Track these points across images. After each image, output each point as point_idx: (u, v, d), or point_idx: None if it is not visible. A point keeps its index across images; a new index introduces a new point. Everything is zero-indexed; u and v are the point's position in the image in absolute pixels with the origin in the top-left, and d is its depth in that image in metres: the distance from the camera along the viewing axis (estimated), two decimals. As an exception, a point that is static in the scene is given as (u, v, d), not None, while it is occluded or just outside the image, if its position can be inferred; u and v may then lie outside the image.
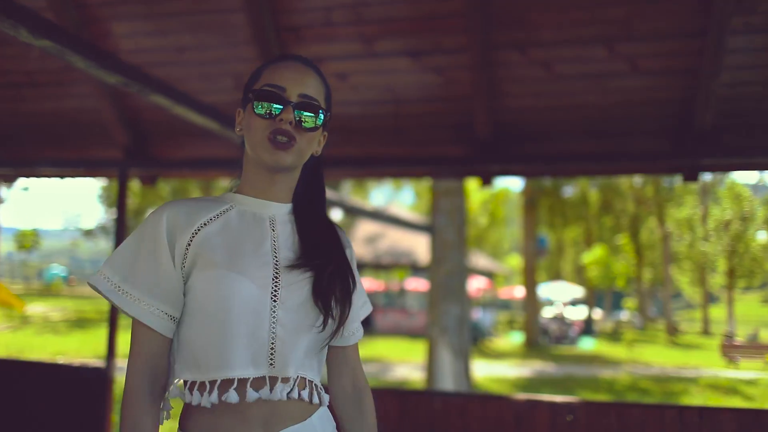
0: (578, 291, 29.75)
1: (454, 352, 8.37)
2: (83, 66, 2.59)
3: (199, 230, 1.30)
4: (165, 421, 1.32)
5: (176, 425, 1.32)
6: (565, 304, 27.22)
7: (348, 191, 26.17)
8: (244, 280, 1.25)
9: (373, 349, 16.11)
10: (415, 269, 23.36)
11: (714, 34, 3.27)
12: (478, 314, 22.04)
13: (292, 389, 1.27)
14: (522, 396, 3.51)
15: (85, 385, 4.07)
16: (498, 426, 3.34)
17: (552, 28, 3.64)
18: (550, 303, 28.54)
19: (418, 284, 23.34)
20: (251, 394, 1.22)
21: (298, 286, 1.30)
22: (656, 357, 17.66)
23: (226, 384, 1.23)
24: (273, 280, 1.29)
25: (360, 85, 4.09)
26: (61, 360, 11.69)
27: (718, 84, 3.46)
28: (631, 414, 3.19)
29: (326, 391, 1.41)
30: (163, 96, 3.05)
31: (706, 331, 27.32)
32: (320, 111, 1.35)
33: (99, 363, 4.71)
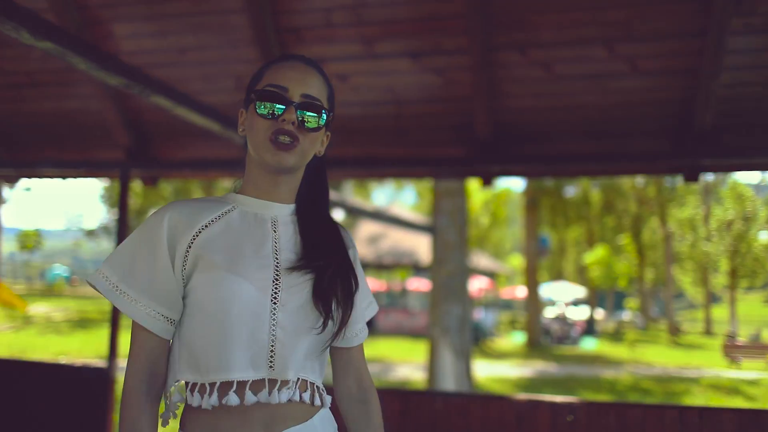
0: (580, 291, 29.73)
1: (455, 353, 8.37)
2: (85, 67, 2.60)
3: (200, 232, 1.30)
4: (171, 420, 1.32)
5: (177, 425, 1.32)
6: (567, 304, 27.21)
7: (350, 191, 26.15)
8: (244, 282, 1.25)
9: (374, 349, 16.12)
10: (417, 269, 23.36)
11: (714, 35, 3.27)
12: (480, 314, 22.05)
13: (292, 392, 1.26)
14: (523, 396, 3.52)
15: (87, 385, 4.08)
16: (499, 426, 3.34)
17: (552, 29, 3.65)
18: (552, 303, 28.54)
19: (419, 284, 23.34)
20: (250, 397, 1.22)
21: (299, 288, 1.30)
22: (658, 357, 17.65)
23: (225, 386, 1.23)
24: (273, 282, 1.28)
25: (360, 86, 4.10)
26: (63, 360, 11.71)
27: (718, 84, 3.46)
28: (632, 414, 3.20)
29: (331, 393, 1.41)
30: (164, 97, 3.06)
31: (708, 332, 27.30)
32: (323, 111, 1.35)
33: (101, 363, 4.72)
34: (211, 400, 1.22)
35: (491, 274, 28.64)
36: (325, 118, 1.36)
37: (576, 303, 29.64)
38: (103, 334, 16.28)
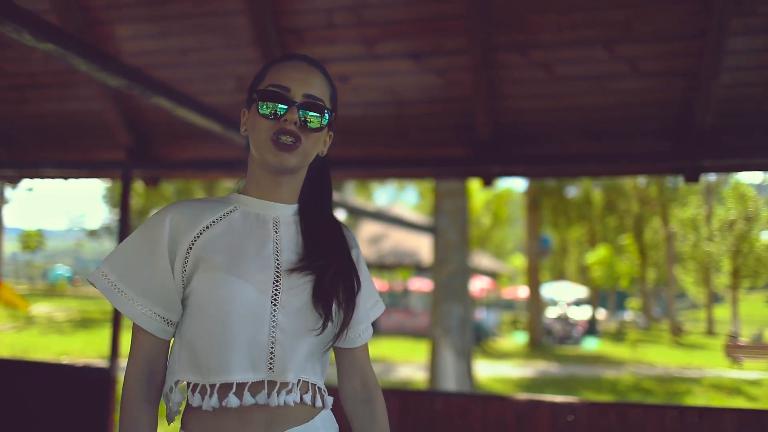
0: (582, 291, 29.72)
1: (456, 353, 8.38)
2: (86, 69, 2.61)
3: (201, 233, 1.29)
4: (174, 419, 1.32)
5: (178, 424, 1.33)
6: (568, 304, 27.18)
7: (352, 192, 26.16)
8: (244, 284, 1.25)
9: (376, 349, 16.12)
10: (419, 269, 23.35)
11: (714, 36, 3.28)
12: (481, 314, 22.05)
13: (293, 393, 1.26)
14: (523, 396, 3.52)
15: (89, 385, 4.08)
16: (499, 426, 3.35)
17: (552, 30, 3.65)
18: (554, 303, 28.54)
19: (421, 284, 23.35)
20: (250, 399, 1.22)
21: (300, 289, 1.29)
22: (660, 357, 17.63)
23: (225, 388, 1.23)
24: (274, 284, 1.28)
25: (361, 87, 4.11)
26: (65, 360, 11.73)
27: (717, 85, 3.46)
28: (632, 414, 3.20)
29: (334, 393, 1.41)
30: (165, 98, 3.07)
31: (710, 332, 27.27)
32: (325, 111, 1.34)
33: (103, 363, 4.73)
34: (211, 401, 1.22)
35: (493, 274, 28.63)
36: (327, 118, 1.35)
37: (578, 303, 29.63)
38: (105, 335, 16.29)
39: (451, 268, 8.62)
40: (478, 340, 19.02)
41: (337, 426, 1.41)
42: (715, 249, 24.74)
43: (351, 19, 3.81)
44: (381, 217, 12.23)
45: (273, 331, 1.25)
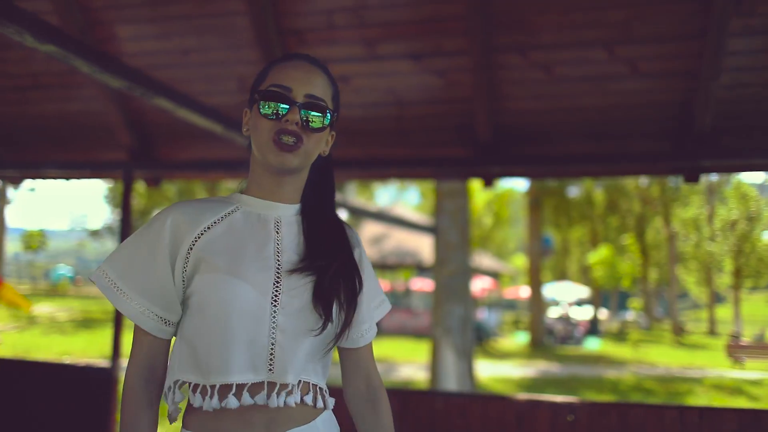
0: (584, 291, 29.70)
1: (457, 353, 8.38)
2: (87, 70, 2.62)
3: (202, 234, 1.29)
4: (176, 418, 1.33)
5: (180, 423, 1.34)
6: (570, 304, 27.16)
7: (353, 192, 26.17)
8: (244, 285, 1.24)
9: (378, 349, 16.05)
10: (421, 269, 23.37)
11: (713, 37, 3.28)
12: (483, 314, 22.05)
13: (293, 394, 1.26)
14: (523, 396, 3.53)
15: (90, 385, 4.10)
16: (499, 426, 3.35)
17: (552, 31, 3.66)
18: (556, 303, 28.50)
19: (423, 284, 23.35)
20: (249, 400, 1.22)
21: (300, 290, 1.29)
22: (661, 357, 17.62)
23: (225, 389, 1.23)
24: (274, 284, 1.27)
25: (362, 88, 4.12)
26: (67, 360, 11.75)
27: (717, 86, 3.47)
28: (632, 414, 3.21)
29: (337, 394, 1.40)
30: (166, 99, 3.09)
31: (712, 332, 27.21)
32: (327, 111, 1.33)
33: (105, 363, 4.74)
34: (212, 402, 1.22)
35: (495, 274, 28.63)
36: (329, 117, 1.34)
37: (579, 303, 29.60)
38: (106, 335, 16.31)
39: (452, 268, 8.62)
40: (479, 340, 19.03)
41: (339, 427, 1.41)
42: (717, 249, 24.68)
43: (352, 20, 3.82)
44: (382, 217, 12.25)
45: (273, 332, 1.24)
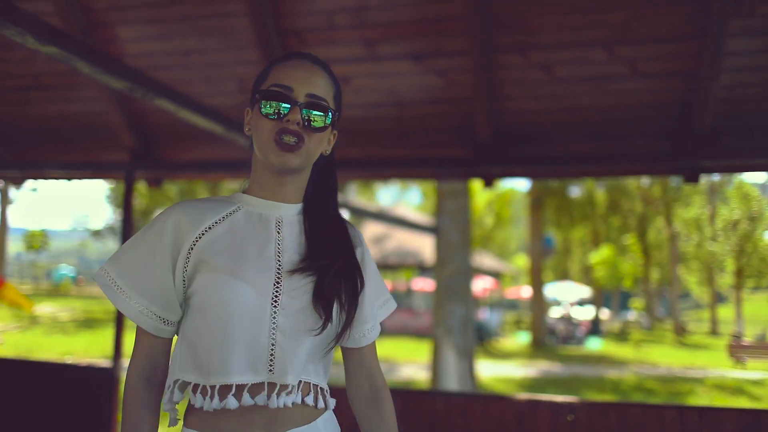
0: (585, 291, 29.66)
1: (458, 353, 8.39)
2: (89, 71, 2.63)
3: (203, 234, 1.29)
4: (177, 418, 1.33)
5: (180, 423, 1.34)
6: (572, 304, 27.12)
7: (355, 192, 26.18)
8: (244, 285, 1.24)
9: (379, 349, 16.00)
10: (422, 269, 23.36)
11: (713, 37, 3.28)
12: (485, 314, 22.04)
13: (293, 395, 1.26)
14: (523, 396, 3.53)
15: (92, 385, 4.11)
16: (499, 426, 3.36)
17: (552, 31, 3.66)
18: (557, 303, 28.47)
19: (424, 284, 23.33)
20: (249, 401, 1.22)
21: (301, 290, 1.28)
22: (663, 357, 17.60)
23: (225, 389, 1.23)
24: (274, 285, 1.27)
25: (363, 88, 4.12)
26: (68, 360, 11.77)
27: (717, 86, 3.47)
28: (632, 414, 3.21)
29: (337, 394, 1.40)
30: (167, 100, 3.10)
31: (714, 332, 27.17)
32: (329, 110, 1.33)
33: (106, 363, 4.75)
34: (213, 403, 1.22)
35: (496, 274, 28.61)
36: (330, 117, 1.33)
37: (581, 303, 29.55)
38: (108, 335, 16.33)
39: (453, 268, 8.63)
40: (480, 340, 19.02)
41: (339, 428, 1.40)
42: (719, 249, 24.63)
43: (352, 21, 3.82)
44: (384, 217, 12.25)
45: (273, 333, 1.24)
